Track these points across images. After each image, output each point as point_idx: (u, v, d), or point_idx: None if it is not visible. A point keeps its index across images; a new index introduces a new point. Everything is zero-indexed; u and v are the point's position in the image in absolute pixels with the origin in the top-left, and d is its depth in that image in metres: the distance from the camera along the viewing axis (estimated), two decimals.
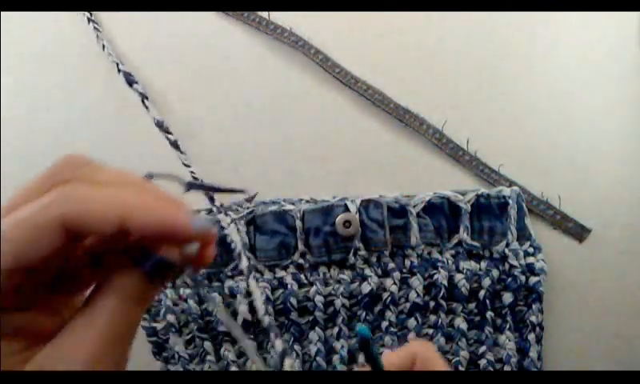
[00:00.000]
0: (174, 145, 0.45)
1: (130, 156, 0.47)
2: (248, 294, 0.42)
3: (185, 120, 0.47)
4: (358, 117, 0.47)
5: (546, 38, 0.47)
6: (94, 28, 0.49)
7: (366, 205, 0.42)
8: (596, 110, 0.47)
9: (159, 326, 0.42)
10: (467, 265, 0.43)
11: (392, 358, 0.32)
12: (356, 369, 0.41)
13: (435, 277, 0.42)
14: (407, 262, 0.43)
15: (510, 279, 0.43)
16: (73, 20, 0.50)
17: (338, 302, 0.42)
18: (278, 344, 0.40)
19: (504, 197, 0.43)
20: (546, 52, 0.47)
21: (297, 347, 0.42)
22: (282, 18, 0.48)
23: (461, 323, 0.43)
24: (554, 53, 0.47)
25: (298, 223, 0.42)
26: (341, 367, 0.42)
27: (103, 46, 0.48)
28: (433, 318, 0.43)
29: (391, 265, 0.43)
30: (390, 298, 0.43)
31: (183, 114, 0.47)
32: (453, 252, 0.43)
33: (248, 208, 0.43)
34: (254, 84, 0.48)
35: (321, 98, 0.47)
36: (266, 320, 0.41)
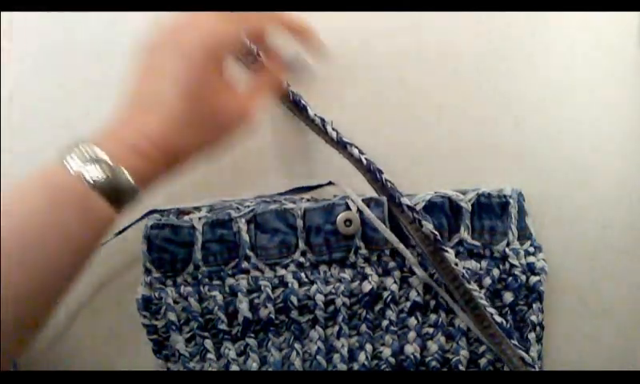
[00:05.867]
0: None
1: None
2: (249, 292, 0.42)
3: None
4: (359, 114, 0.47)
5: (545, 38, 0.47)
6: None
7: (367, 203, 0.42)
8: (596, 110, 0.47)
9: (160, 323, 0.42)
10: (468, 264, 0.43)
11: None
12: None
13: (436, 276, 0.42)
14: (408, 261, 0.43)
15: (510, 279, 0.43)
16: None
17: (339, 301, 0.42)
18: None
19: (505, 196, 0.43)
20: (546, 52, 0.47)
21: (297, 346, 0.42)
22: None
23: (461, 322, 0.43)
24: (554, 53, 0.47)
25: (299, 222, 0.43)
26: (341, 366, 0.42)
27: None
28: (433, 316, 0.43)
29: (392, 264, 0.43)
30: (390, 297, 0.43)
31: None
32: (453, 251, 0.43)
33: (249, 206, 0.43)
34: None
35: (320, 95, 0.47)
36: None
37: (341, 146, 0.44)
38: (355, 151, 0.43)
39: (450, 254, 0.41)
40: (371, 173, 0.43)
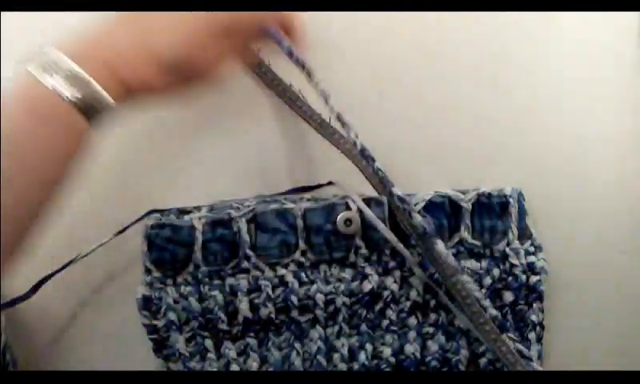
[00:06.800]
0: None
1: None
2: (249, 291, 0.42)
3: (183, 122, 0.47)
4: (358, 114, 0.47)
5: (546, 38, 0.48)
6: None
7: (367, 203, 0.42)
8: (596, 110, 0.47)
9: (160, 323, 0.42)
10: (468, 263, 0.43)
11: None
12: None
13: (436, 275, 0.42)
14: (408, 261, 0.43)
15: (510, 278, 0.43)
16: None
17: (339, 301, 0.42)
18: None
19: (505, 196, 0.44)
20: (546, 52, 0.47)
21: (297, 345, 0.42)
22: None
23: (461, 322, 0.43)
24: (554, 53, 0.47)
25: (299, 221, 0.42)
26: (341, 366, 0.42)
27: None
28: (433, 316, 0.43)
29: (392, 263, 0.43)
30: (390, 297, 0.43)
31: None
32: (454, 251, 0.43)
33: (249, 206, 0.43)
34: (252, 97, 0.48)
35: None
36: None
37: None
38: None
39: (440, 246, 0.40)
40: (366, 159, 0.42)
